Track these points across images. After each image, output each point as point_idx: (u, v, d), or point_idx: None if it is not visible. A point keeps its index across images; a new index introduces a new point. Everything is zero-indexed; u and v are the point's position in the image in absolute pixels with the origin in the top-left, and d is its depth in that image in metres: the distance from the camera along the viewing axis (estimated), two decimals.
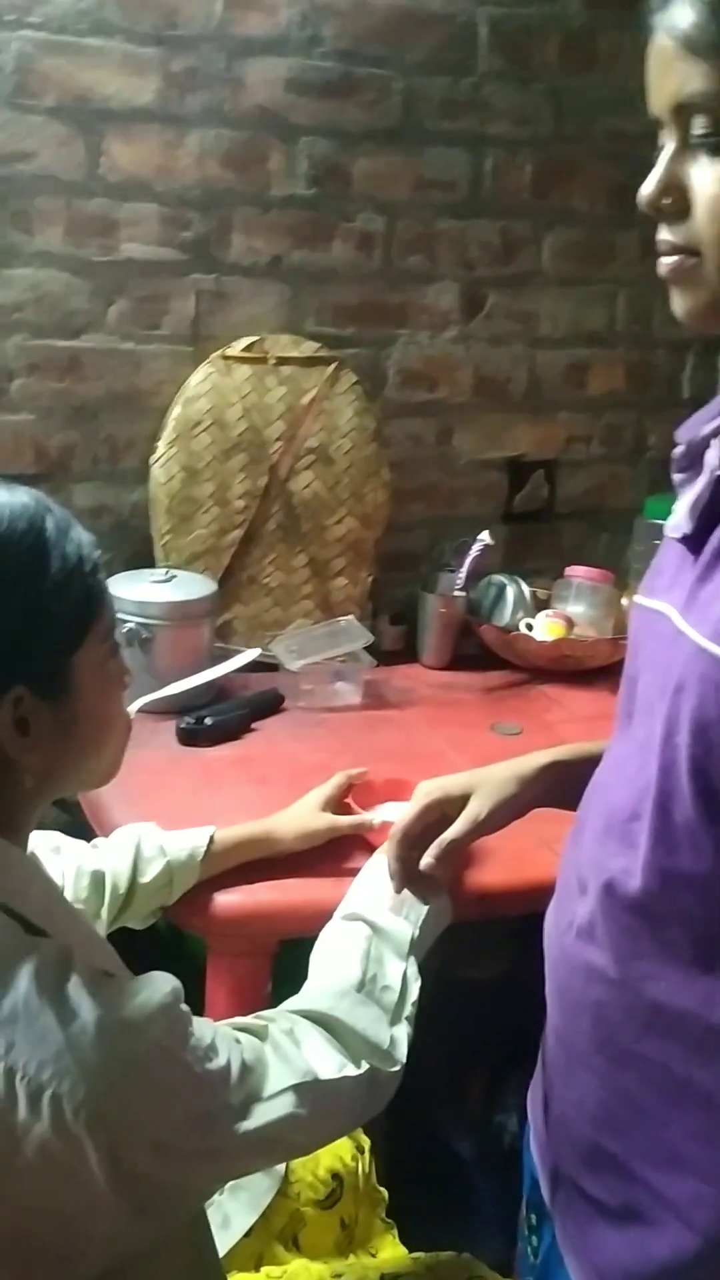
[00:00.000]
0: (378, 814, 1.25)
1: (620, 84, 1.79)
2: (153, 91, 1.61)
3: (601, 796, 0.81)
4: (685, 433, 0.79)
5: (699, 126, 0.65)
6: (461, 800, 1.00)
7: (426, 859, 0.99)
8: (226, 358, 1.72)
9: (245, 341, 1.73)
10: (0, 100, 1.55)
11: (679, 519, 0.76)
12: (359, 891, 1.08)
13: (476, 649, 1.83)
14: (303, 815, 1.24)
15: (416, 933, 1.03)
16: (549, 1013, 0.85)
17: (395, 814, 1.25)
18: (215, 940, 1.19)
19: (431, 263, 1.83)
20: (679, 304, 0.72)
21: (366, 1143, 1.26)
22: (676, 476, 0.79)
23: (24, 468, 1.67)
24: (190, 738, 1.50)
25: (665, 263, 0.71)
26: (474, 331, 1.89)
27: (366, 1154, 1.25)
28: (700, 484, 0.75)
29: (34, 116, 1.57)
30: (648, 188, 0.69)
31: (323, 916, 1.06)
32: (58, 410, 1.69)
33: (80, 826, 1.28)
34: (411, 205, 1.79)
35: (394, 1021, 0.95)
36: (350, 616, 1.77)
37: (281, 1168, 1.15)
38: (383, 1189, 1.27)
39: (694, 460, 0.77)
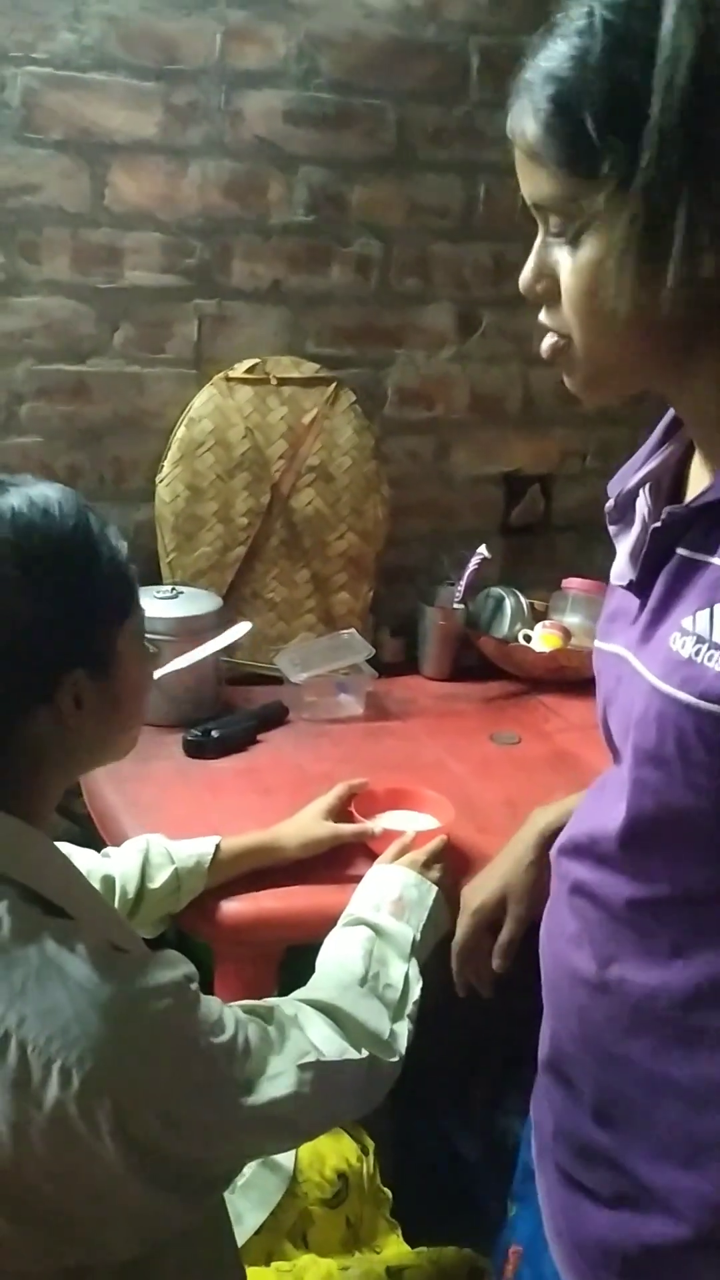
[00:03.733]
0: (379, 822, 1.29)
1: None
2: (155, 124, 1.66)
3: (587, 817, 0.84)
4: (615, 485, 0.84)
5: (553, 224, 0.70)
6: (500, 903, 1.10)
7: (498, 962, 1.10)
8: (229, 379, 1.76)
9: (247, 363, 1.77)
10: (8, 135, 1.60)
11: (622, 568, 0.80)
12: (362, 898, 1.11)
13: (475, 660, 1.87)
14: (306, 824, 1.27)
15: (418, 936, 1.07)
16: (544, 1015, 0.89)
17: (396, 822, 1.30)
18: (222, 946, 1.23)
19: (427, 285, 1.87)
20: (567, 381, 0.76)
21: (371, 1144, 1.30)
22: (611, 528, 0.83)
23: None
24: (197, 750, 1.53)
25: (543, 347, 0.75)
26: (470, 351, 1.93)
27: (371, 1155, 1.28)
28: (634, 533, 0.79)
29: (40, 150, 1.62)
30: (523, 276, 0.74)
31: (327, 923, 1.09)
32: (65, 432, 1.73)
33: (90, 838, 1.31)
34: (407, 230, 1.83)
35: (395, 1018, 0.98)
36: (352, 630, 1.80)
37: (290, 1166, 1.18)
38: (386, 1189, 1.30)
39: (625, 511, 0.82)
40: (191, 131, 1.68)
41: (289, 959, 1.22)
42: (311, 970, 1.04)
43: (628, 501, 0.82)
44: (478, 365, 1.95)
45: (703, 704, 0.68)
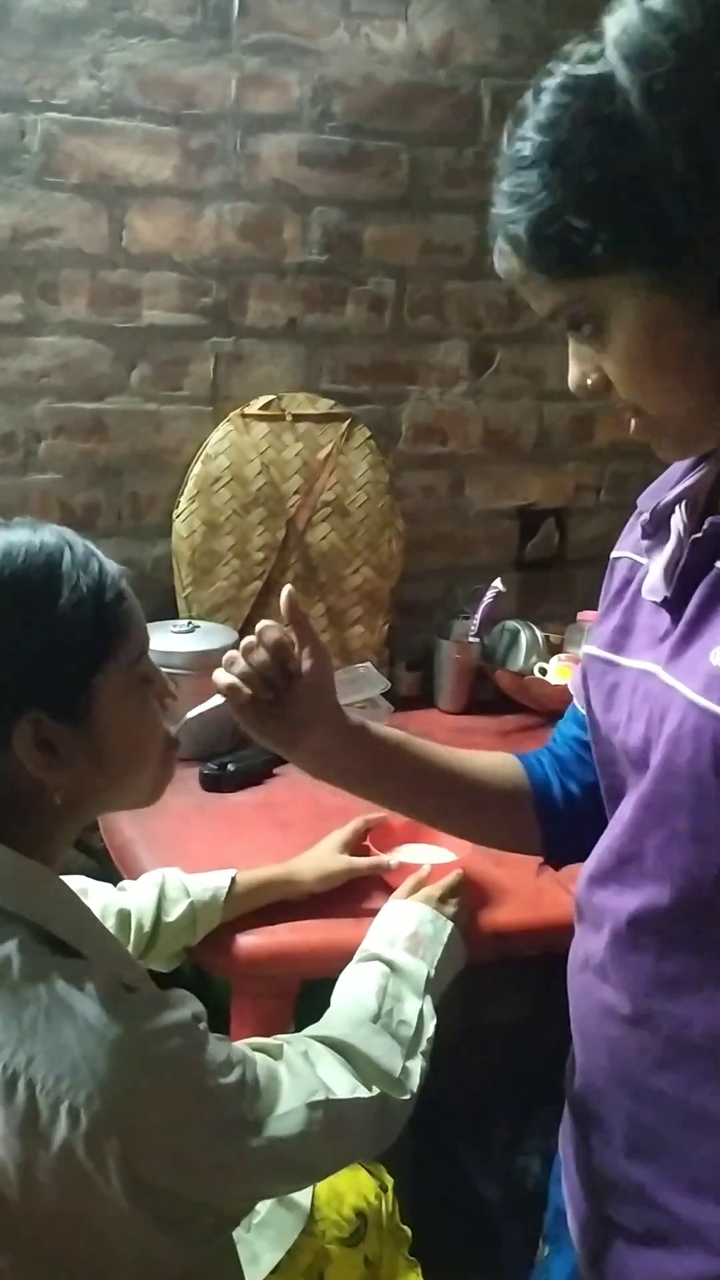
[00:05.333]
0: (395, 856, 1.28)
1: None
2: (172, 168, 1.69)
3: (606, 841, 0.83)
4: (648, 500, 0.83)
5: (574, 327, 0.73)
6: None
7: None
8: (245, 416, 1.78)
9: (263, 400, 1.79)
10: (28, 179, 1.63)
11: (655, 583, 0.80)
12: (377, 933, 1.11)
13: (491, 694, 1.87)
14: (322, 858, 1.27)
15: (433, 972, 1.06)
16: (574, 1048, 0.88)
17: (412, 856, 1.29)
18: (238, 981, 1.22)
19: (440, 322, 1.89)
20: (662, 452, 0.77)
21: (390, 1182, 1.28)
22: (644, 543, 0.83)
23: None
24: (214, 784, 1.53)
25: (632, 431, 0.76)
26: (483, 386, 1.95)
27: (390, 1193, 1.27)
28: (669, 548, 0.79)
29: (60, 194, 1.65)
30: (571, 380, 0.76)
31: (343, 957, 1.08)
32: (83, 469, 1.75)
33: (107, 872, 1.31)
34: (420, 269, 1.85)
35: (409, 1055, 0.96)
36: (368, 663, 1.81)
37: (307, 1204, 1.17)
38: (406, 1228, 1.28)
39: (659, 526, 0.81)
40: (208, 174, 1.71)
41: (305, 993, 1.21)
42: (327, 1005, 1.04)
43: (662, 517, 0.82)
44: (491, 401, 1.96)
45: None
